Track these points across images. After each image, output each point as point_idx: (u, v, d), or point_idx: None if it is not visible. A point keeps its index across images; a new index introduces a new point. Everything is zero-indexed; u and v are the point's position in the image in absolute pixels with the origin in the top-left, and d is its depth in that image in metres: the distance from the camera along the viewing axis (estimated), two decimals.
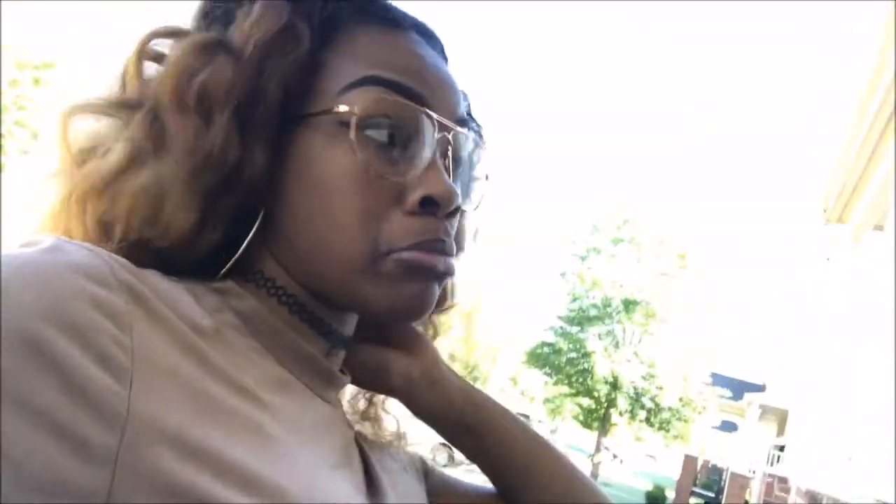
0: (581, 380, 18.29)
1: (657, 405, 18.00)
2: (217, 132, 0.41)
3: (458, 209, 0.44)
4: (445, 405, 0.54)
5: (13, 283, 0.32)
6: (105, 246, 0.39)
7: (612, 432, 19.39)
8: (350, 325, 0.49)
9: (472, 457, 0.56)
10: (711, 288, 18.96)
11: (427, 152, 0.43)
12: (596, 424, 18.73)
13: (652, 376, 17.59)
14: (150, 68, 0.44)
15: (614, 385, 17.77)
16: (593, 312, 18.34)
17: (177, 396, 0.34)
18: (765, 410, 11.98)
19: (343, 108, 0.42)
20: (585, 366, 18.13)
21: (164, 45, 0.44)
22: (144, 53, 0.44)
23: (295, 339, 0.45)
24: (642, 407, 18.16)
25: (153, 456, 0.32)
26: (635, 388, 17.81)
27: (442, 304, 0.56)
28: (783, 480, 5.63)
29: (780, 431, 10.22)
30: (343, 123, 0.42)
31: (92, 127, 0.43)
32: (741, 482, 10.51)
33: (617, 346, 18.07)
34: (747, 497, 9.84)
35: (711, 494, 15.50)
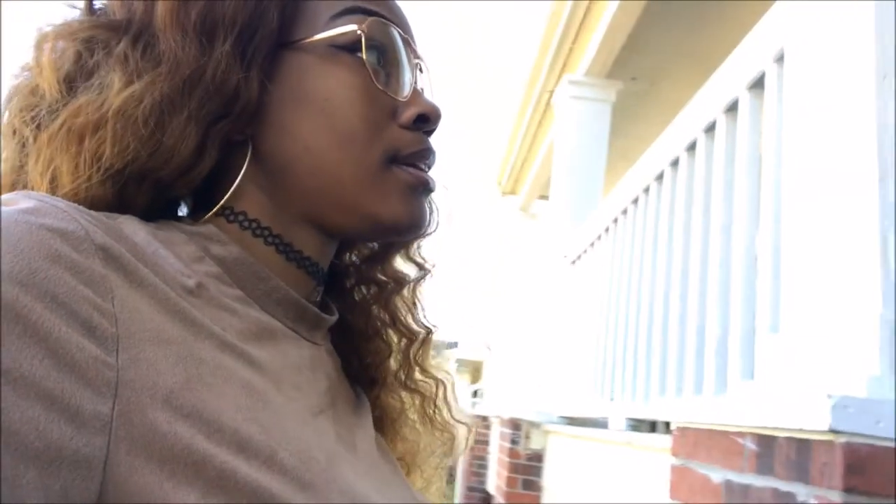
0: None
1: None
2: (219, 58, 0.41)
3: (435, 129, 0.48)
4: None
5: None
6: (97, 180, 0.39)
7: None
8: (329, 259, 0.50)
9: None
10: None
11: (409, 76, 0.47)
12: None
13: None
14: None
15: None
16: None
17: (165, 360, 0.33)
18: (460, 364, 13.52)
19: (347, 28, 0.44)
20: None
21: None
22: None
23: (279, 283, 0.44)
24: None
25: (148, 422, 0.31)
26: None
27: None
28: (484, 418, 6.51)
29: (475, 380, 11.64)
30: (338, 47, 0.44)
31: (69, 52, 0.40)
32: None
33: None
34: None
35: None
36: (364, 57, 0.44)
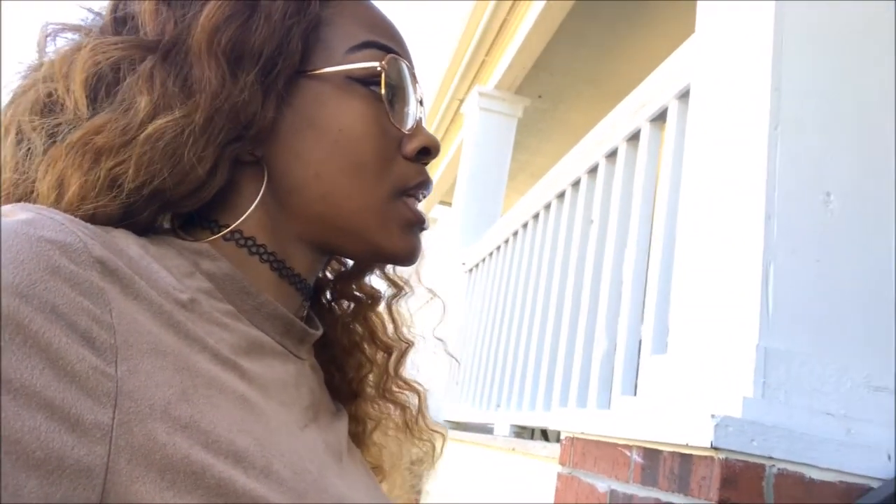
0: None
1: None
2: (243, 87, 0.42)
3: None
4: None
5: None
6: (108, 199, 0.38)
7: None
8: (316, 275, 0.51)
9: None
10: None
11: (413, 109, 0.49)
12: None
13: None
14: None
15: None
16: None
17: (162, 372, 0.34)
18: None
19: (368, 64, 0.46)
20: None
21: None
22: None
23: (267, 299, 0.45)
24: None
25: (147, 431, 0.32)
26: None
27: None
28: None
29: None
30: (352, 78, 0.46)
31: (95, 67, 0.40)
32: None
33: None
34: None
35: None
36: (382, 92, 0.46)
